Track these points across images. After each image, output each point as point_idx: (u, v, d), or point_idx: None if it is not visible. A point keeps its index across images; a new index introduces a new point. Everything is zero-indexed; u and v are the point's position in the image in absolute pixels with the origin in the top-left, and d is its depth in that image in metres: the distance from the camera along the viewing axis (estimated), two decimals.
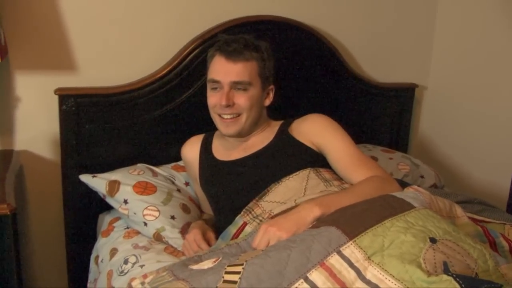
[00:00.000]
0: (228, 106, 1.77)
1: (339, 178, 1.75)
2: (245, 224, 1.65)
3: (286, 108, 2.11)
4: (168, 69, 2.19)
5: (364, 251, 1.22)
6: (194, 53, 2.20)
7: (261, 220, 1.61)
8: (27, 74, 2.10)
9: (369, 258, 1.21)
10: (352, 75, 2.59)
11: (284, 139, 1.83)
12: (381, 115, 2.76)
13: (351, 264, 1.20)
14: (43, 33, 2.09)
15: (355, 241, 1.24)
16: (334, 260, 1.20)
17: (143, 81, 2.17)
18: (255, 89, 1.81)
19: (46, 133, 2.17)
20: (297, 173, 1.72)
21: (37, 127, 2.16)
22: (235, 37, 1.83)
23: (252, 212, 1.67)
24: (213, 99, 1.81)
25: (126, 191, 1.94)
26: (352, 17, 2.63)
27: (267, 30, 2.29)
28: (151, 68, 2.21)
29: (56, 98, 2.06)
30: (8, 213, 1.62)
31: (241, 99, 1.78)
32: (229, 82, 1.77)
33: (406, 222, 1.29)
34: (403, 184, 1.73)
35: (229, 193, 1.81)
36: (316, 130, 1.81)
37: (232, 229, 1.66)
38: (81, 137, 2.11)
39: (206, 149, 1.97)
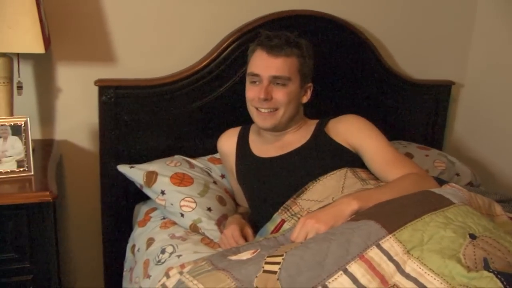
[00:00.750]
0: (266, 100, 1.78)
1: (376, 178, 1.75)
2: (283, 221, 1.66)
3: (320, 104, 2.10)
4: (206, 62, 2.20)
5: (404, 245, 1.22)
6: (233, 46, 2.21)
7: (299, 218, 1.61)
8: (68, 66, 2.15)
9: (408, 252, 1.21)
10: (388, 70, 2.57)
11: (321, 139, 1.84)
12: (416, 112, 2.73)
13: (390, 258, 1.20)
14: (84, 25, 2.13)
15: (394, 235, 1.24)
16: (374, 253, 1.21)
17: (181, 74, 2.19)
18: (294, 85, 1.82)
19: (85, 123, 2.21)
20: (335, 172, 1.72)
21: (77, 118, 2.20)
22: (277, 33, 1.84)
23: (290, 210, 1.68)
24: (252, 93, 1.83)
25: (163, 182, 1.96)
26: (389, 12, 2.60)
27: (303, 24, 2.28)
28: (189, 61, 2.23)
29: (96, 89, 2.09)
30: (51, 200, 1.66)
31: (279, 94, 1.79)
32: (268, 76, 1.78)
33: (445, 217, 1.29)
34: (439, 182, 1.72)
35: (266, 190, 1.82)
36: (352, 131, 1.81)
37: (270, 226, 1.67)
38: (120, 127, 2.14)
39: (243, 143, 1.98)
